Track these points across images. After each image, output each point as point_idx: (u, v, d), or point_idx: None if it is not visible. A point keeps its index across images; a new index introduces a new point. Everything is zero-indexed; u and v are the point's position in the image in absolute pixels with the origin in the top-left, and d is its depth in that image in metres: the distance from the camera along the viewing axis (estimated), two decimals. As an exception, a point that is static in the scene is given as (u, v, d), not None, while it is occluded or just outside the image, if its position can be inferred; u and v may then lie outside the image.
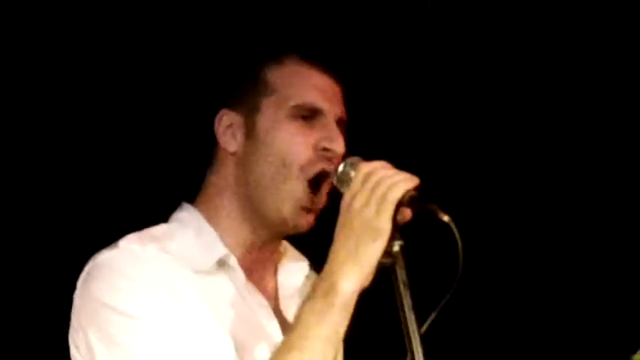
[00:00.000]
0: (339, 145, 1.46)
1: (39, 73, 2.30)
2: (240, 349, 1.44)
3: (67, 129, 2.28)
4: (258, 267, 1.53)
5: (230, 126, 1.50)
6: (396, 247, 1.35)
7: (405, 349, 1.32)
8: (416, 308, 1.33)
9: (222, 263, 1.48)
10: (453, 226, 1.32)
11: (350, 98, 1.53)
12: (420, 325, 1.33)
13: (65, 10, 2.27)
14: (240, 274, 1.48)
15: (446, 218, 1.33)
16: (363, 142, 1.50)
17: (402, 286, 1.35)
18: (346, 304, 1.33)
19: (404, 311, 1.34)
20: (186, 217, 1.53)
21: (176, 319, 1.38)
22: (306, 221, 1.47)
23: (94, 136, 2.28)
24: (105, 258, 1.43)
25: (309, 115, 1.47)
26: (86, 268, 1.44)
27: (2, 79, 2.37)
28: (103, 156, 2.29)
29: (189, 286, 1.43)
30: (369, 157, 1.42)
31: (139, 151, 2.30)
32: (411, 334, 1.33)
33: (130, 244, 1.44)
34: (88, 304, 1.41)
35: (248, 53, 1.60)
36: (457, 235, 1.32)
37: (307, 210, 1.46)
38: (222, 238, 1.49)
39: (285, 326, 1.50)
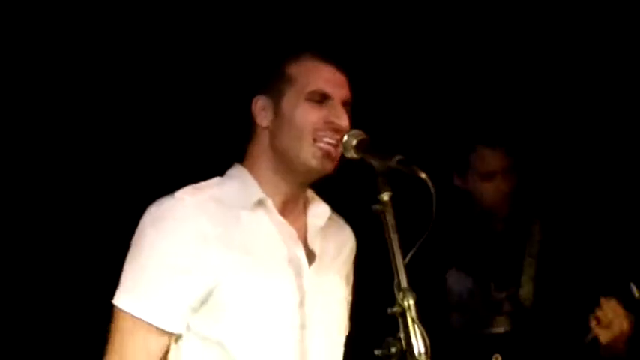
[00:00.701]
0: (343, 120, 1.89)
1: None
2: (270, 269, 1.89)
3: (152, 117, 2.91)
4: (290, 209, 1.97)
5: (263, 108, 1.95)
6: (386, 198, 1.74)
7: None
8: (401, 244, 1.72)
9: (260, 204, 1.92)
10: (429, 182, 1.73)
11: (355, 83, 1.95)
12: (404, 256, 1.71)
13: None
14: (274, 212, 1.92)
15: (423, 176, 1.74)
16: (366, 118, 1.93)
17: (390, 228, 1.73)
18: None
19: (392, 247, 1.72)
20: (235, 172, 1.98)
21: (173, 264, 1.83)
22: (330, 164, 1.90)
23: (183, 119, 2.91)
24: (156, 206, 1.89)
25: (320, 98, 1.90)
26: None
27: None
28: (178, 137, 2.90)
29: (226, 219, 1.87)
30: (369, 128, 1.86)
31: (203, 130, 2.86)
32: (398, 263, 1.70)
33: (183, 194, 1.89)
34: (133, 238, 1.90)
35: (274, 53, 2.02)
36: (432, 189, 1.73)
37: (327, 159, 1.88)
38: (261, 187, 1.93)
39: (310, 255, 1.95)
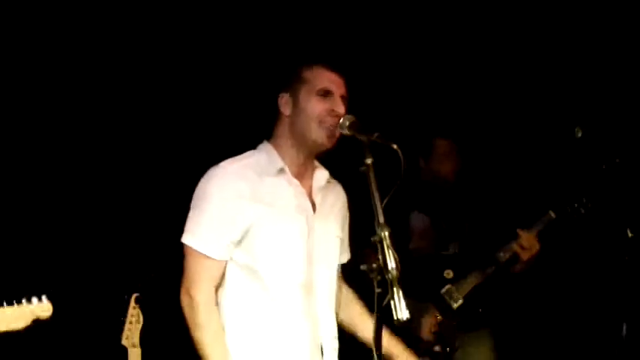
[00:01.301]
0: (340, 109, 2.67)
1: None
2: (287, 215, 2.67)
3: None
4: (302, 173, 2.75)
5: (286, 101, 2.73)
6: (369, 161, 2.46)
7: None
8: (380, 193, 2.46)
9: (281, 171, 2.70)
10: (399, 150, 2.47)
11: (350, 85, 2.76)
12: (381, 202, 2.45)
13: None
14: (290, 177, 2.70)
15: (395, 146, 2.48)
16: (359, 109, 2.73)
17: (372, 184, 2.45)
18: None
19: (373, 195, 2.43)
20: (263, 147, 2.77)
21: (222, 213, 2.63)
22: (330, 142, 2.68)
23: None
24: (208, 173, 2.68)
25: (325, 94, 2.68)
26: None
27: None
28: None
29: (256, 183, 2.63)
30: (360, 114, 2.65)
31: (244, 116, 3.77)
32: (377, 207, 2.40)
33: (226, 164, 2.68)
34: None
35: (295, 64, 2.81)
36: (401, 155, 2.46)
37: (329, 137, 2.66)
38: (282, 158, 2.70)
39: (314, 206, 2.73)
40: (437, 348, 3.72)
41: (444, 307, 3.81)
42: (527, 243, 3.67)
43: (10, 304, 2.64)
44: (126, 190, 4.00)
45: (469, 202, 4.04)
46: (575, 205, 3.70)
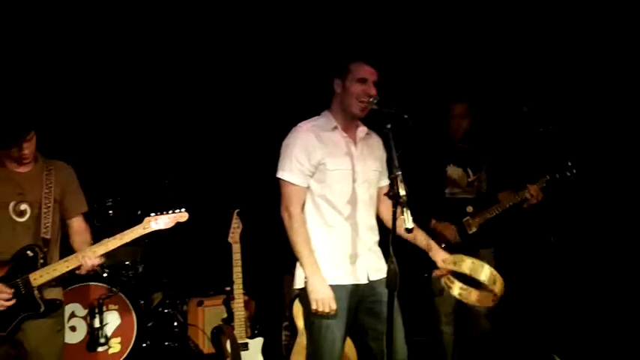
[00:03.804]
0: (373, 91, 4.00)
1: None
2: (340, 155, 4.04)
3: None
4: (350, 129, 4.13)
5: (338, 85, 4.10)
6: (389, 126, 3.78)
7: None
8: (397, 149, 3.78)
9: (335, 128, 4.08)
10: (408, 119, 3.78)
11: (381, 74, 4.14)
12: (397, 152, 3.78)
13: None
14: (341, 131, 4.09)
15: (406, 116, 3.80)
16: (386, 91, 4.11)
17: (391, 140, 3.76)
18: None
19: (391, 148, 3.75)
20: (324, 113, 4.16)
21: (301, 155, 4.02)
22: (362, 113, 4.04)
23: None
24: (291, 131, 4.09)
25: (363, 80, 4.03)
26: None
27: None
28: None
29: (320, 136, 4.02)
30: (386, 92, 4.02)
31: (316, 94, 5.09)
32: (394, 155, 3.72)
33: (302, 124, 4.09)
34: None
35: (345, 61, 4.15)
36: (410, 123, 3.75)
37: (362, 110, 4.02)
38: (335, 120, 4.09)
39: (357, 149, 4.10)
40: None
41: (462, 231, 5.30)
42: (535, 191, 5.14)
43: (162, 213, 4.26)
44: (240, 146, 6.22)
45: (489, 160, 5.53)
46: (563, 168, 5.13)
